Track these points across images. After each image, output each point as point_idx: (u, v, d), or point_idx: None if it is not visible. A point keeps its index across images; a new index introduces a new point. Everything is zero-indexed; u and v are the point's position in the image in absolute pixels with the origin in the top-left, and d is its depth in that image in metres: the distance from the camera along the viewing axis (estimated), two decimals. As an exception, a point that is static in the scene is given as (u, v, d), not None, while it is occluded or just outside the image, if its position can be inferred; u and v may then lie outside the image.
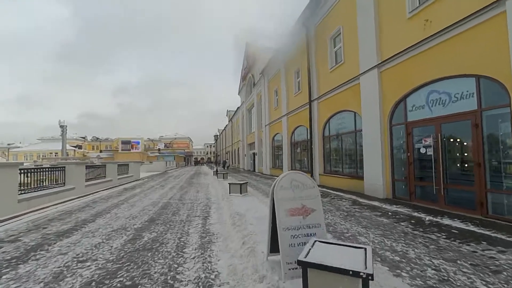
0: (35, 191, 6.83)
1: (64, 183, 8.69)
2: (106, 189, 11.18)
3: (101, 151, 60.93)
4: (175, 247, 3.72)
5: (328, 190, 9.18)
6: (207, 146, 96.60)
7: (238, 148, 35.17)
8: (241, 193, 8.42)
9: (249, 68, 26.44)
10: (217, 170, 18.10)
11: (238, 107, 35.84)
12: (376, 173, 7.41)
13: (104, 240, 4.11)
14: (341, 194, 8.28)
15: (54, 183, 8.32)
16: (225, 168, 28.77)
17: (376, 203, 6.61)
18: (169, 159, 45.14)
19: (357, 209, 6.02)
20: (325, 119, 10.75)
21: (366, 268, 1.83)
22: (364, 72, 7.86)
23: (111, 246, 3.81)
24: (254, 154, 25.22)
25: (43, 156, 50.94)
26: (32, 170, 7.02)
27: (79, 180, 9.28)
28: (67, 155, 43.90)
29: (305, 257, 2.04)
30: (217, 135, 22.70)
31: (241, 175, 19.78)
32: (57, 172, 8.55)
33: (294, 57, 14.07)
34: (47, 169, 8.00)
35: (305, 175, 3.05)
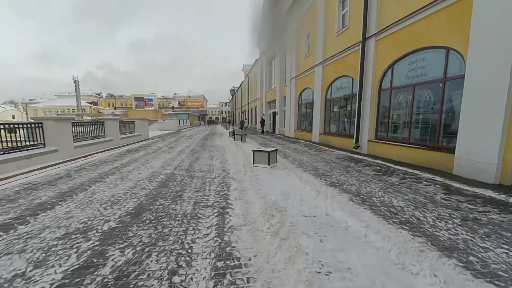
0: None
1: (44, 144, 6.85)
2: (105, 151, 9.42)
3: (115, 108, 60.26)
4: (154, 318, 1.60)
5: (387, 164, 6.71)
6: (222, 105, 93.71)
7: (256, 106, 32.21)
8: (269, 164, 6.20)
9: (271, 6, 21.69)
10: (233, 131, 15.90)
11: (256, 60, 31.57)
12: (485, 144, 4.74)
13: (28, 269, 2.09)
14: (411, 171, 5.80)
15: (29, 143, 6.47)
16: (243, 129, 26.51)
17: (491, 194, 4.11)
18: (183, 117, 43.33)
19: (468, 206, 3.58)
20: (386, 64, 7.65)
21: None
22: (491, -30, 4.54)
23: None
24: (274, 113, 22.51)
25: (60, 111, 51.05)
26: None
27: (64, 141, 7.40)
28: (84, 111, 43.32)
29: None
30: (234, 90, 19.91)
31: (261, 137, 17.52)
32: (32, 129, 6.63)
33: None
34: (14, 126, 6.03)
35: None
